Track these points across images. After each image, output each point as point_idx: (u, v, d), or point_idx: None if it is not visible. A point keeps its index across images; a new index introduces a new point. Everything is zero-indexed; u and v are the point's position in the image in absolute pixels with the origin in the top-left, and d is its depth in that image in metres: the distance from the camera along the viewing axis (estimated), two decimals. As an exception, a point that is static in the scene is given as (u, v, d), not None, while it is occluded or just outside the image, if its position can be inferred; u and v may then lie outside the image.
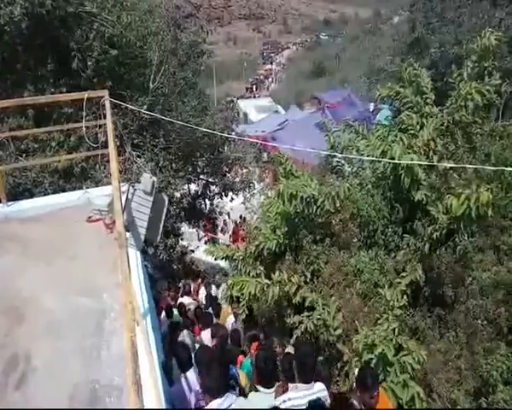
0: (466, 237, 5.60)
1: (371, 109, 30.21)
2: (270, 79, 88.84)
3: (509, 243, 6.10)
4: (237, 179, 15.10)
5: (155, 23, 11.80)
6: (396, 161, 5.66)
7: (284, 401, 4.04)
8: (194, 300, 10.51)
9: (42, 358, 3.78)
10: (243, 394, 5.08)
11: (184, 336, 5.95)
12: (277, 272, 5.84)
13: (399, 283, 5.36)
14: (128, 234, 4.95)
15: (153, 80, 10.79)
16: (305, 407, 3.92)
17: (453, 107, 6.19)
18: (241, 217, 19.31)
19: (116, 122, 8.58)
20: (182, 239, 13.30)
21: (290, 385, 4.23)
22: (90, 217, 5.84)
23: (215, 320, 8.04)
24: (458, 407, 4.79)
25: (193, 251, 15.42)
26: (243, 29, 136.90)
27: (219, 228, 19.75)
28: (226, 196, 15.09)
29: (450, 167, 5.88)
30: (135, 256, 5.04)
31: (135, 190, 5.30)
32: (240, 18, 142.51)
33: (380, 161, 6.20)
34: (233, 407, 3.80)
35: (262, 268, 6.49)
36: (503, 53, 15.01)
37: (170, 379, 5.02)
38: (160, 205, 5.63)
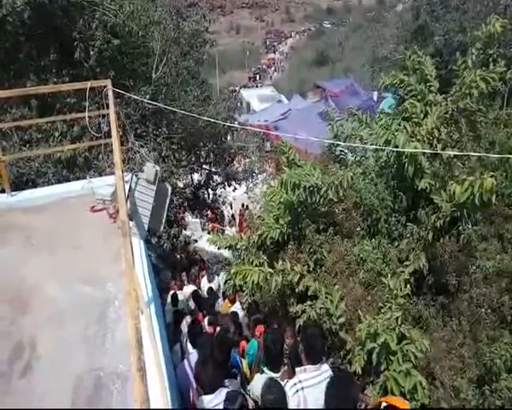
0: (470, 226, 5.59)
1: (375, 98, 30.05)
2: (272, 69, 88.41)
3: (514, 232, 6.09)
4: (240, 169, 15.08)
5: (157, 12, 11.76)
6: (400, 149, 5.64)
7: (295, 384, 4.01)
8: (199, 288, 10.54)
9: (46, 346, 3.81)
10: (246, 380, 5.14)
11: (188, 322, 6.03)
12: (280, 261, 5.85)
13: (402, 271, 5.37)
14: (131, 223, 4.97)
15: (155, 70, 10.76)
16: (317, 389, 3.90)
17: (457, 95, 6.15)
18: (243, 205, 19.29)
19: (119, 112, 8.57)
20: (185, 229, 13.30)
21: (297, 369, 4.24)
22: (93, 206, 5.85)
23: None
24: (461, 395, 4.80)
25: (196, 241, 15.44)
26: (246, 18, 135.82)
27: (227, 221, 19.71)
28: (229, 185, 15.07)
29: (455, 156, 5.85)
30: (138, 245, 5.05)
31: (138, 179, 5.30)
32: (242, 7, 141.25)
33: (383, 150, 6.18)
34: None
35: (265, 257, 6.50)
36: (508, 40, 14.88)
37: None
38: (164, 194, 5.63)
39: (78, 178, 8.22)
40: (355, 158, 7.49)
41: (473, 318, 5.42)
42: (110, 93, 5.88)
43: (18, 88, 7.78)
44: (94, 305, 4.26)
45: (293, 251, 6.27)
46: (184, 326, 5.96)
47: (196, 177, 15.15)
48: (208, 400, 4.00)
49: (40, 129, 9.13)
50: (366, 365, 4.87)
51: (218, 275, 10.98)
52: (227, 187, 15.25)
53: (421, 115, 6.28)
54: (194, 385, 4.49)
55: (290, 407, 3.85)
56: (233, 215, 20.48)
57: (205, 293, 10.14)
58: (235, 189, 15.57)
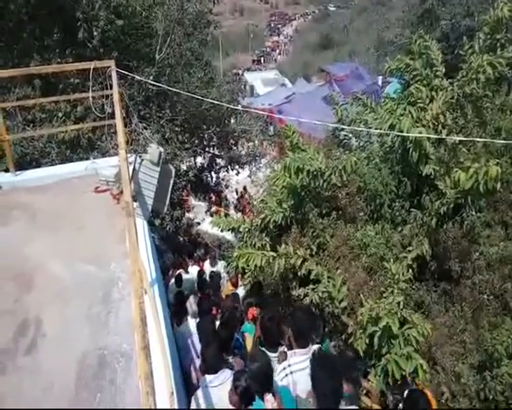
0: (474, 212, 5.58)
1: (379, 83, 29.80)
2: (277, 51, 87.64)
3: (518, 219, 6.08)
4: (243, 152, 15.03)
5: (161, -8, 11.63)
6: (404, 134, 5.61)
7: (284, 369, 4.09)
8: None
9: (51, 324, 3.85)
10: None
11: (191, 302, 6.08)
12: (283, 245, 5.86)
13: (405, 257, 5.37)
14: (135, 204, 4.97)
15: (159, 51, 10.69)
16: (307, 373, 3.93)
17: (464, 80, 6.08)
18: (244, 188, 19.25)
19: (122, 93, 8.53)
20: (188, 212, 13.32)
21: (289, 352, 4.29)
22: (97, 187, 5.86)
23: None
24: (462, 380, 4.84)
25: (199, 223, 15.47)
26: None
27: (233, 205, 19.63)
28: (232, 169, 15.04)
29: (460, 142, 5.82)
30: (142, 226, 5.07)
31: (142, 160, 5.29)
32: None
33: (388, 135, 6.14)
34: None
35: (268, 241, 6.51)
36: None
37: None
38: (167, 176, 5.63)
39: (81, 159, 8.23)
40: (359, 143, 7.44)
41: (475, 304, 5.43)
42: (114, 74, 5.86)
43: (21, 67, 7.74)
44: (98, 284, 4.30)
45: (296, 235, 6.27)
46: (189, 306, 6.02)
47: (200, 160, 15.12)
48: (211, 379, 4.05)
49: (44, 109, 9.12)
50: (368, 348, 4.89)
51: (220, 260, 11.00)
52: (230, 170, 15.22)
53: (427, 100, 6.22)
54: (198, 364, 4.55)
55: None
56: (239, 199, 20.38)
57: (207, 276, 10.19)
58: (239, 172, 15.53)
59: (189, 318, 5.89)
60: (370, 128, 6.77)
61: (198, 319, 5.67)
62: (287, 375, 4.05)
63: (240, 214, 18.51)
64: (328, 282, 5.42)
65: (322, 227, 6.11)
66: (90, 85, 6.27)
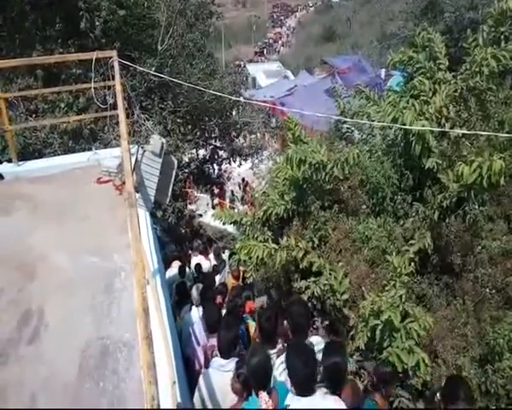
0: (476, 206, 5.56)
1: (382, 75, 29.65)
2: (279, 43, 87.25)
3: (521, 213, 6.07)
4: (245, 144, 15.01)
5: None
6: (407, 127, 5.58)
7: (282, 363, 4.08)
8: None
9: (54, 314, 3.86)
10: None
11: (193, 293, 6.11)
12: (285, 238, 5.85)
13: (407, 250, 5.35)
14: (137, 195, 4.98)
15: (161, 42, 10.64)
16: None
17: (467, 73, 6.04)
18: (243, 180, 19.20)
19: (124, 84, 8.51)
20: (190, 203, 13.32)
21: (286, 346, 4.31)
22: (99, 178, 5.86)
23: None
24: (464, 374, 4.85)
25: (201, 215, 15.48)
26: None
27: (239, 197, 19.57)
28: (234, 161, 15.02)
29: (463, 135, 5.79)
30: (144, 217, 5.08)
31: (144, 151, 5.29)
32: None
33: (390, 128, 6.12)
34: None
35: (270, 233, 6.51)
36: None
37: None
38: (170, 167, 5.63)
39: (83, 150, 8.23)
40: (361, 136, 7.41)
41: (477, 298, 5.43)
42: (116, 64, 5.84)
43: (24, 58, 7.72)
44: (100, 275, 4.31)
45: (298, 227, 6.27)
46: (193, 294, 6.08)
47: (202, 152, 15.11)
48: (222, 363, 4.08)
49: (46, 99, 9.11)
50: (369, 341, 4.90)
51: (223, 252, 11.01)
52: (232, 162, 15.20)
53: (430, 93, 6.18)
54: (200, 353, 4.57)
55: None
56: (245, 189, 20.26)
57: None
58: (241, 164, 15.51)
59: (193, 307, 5.93)
60: (373, 121, 6.74)
61: (202, 308, 5.69)
62: (284, 369, 4.06)
63: (246, 207, 18.53)
64: (330, 274, 5.41)
65: (324, 220, 6.10)
66: (92, 76, 6.25)
